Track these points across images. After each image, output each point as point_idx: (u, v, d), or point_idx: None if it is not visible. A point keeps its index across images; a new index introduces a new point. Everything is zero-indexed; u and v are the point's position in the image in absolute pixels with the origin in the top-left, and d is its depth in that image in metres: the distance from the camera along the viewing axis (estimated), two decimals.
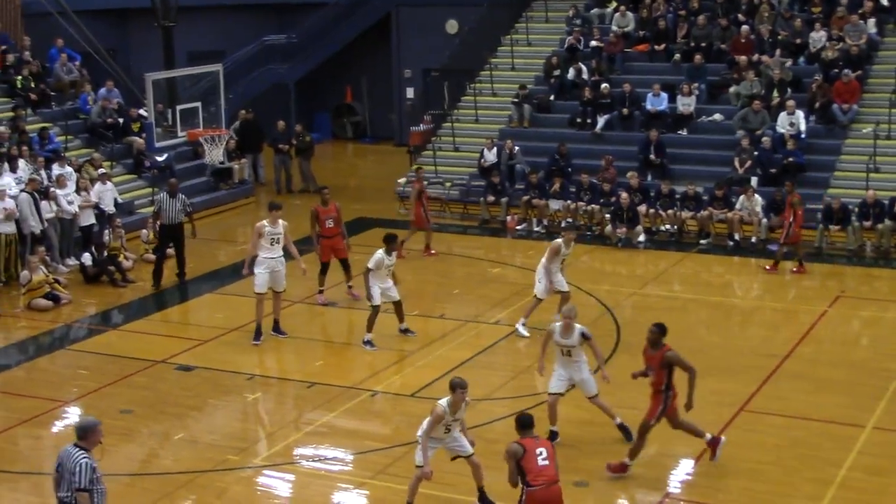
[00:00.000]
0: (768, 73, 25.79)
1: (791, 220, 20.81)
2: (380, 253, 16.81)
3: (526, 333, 17.30)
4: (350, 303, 19.28)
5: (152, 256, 21.28)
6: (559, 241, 17.45)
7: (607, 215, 23.47)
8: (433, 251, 22.46)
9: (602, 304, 19.00)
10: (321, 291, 19.24)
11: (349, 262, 19.43)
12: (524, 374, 15.86)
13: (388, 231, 17.48)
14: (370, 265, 16.80)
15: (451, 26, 33.67)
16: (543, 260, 17.39)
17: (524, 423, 10.77)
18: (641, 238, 23.04)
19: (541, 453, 10.53)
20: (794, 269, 20.99)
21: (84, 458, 9.68)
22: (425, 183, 23.40)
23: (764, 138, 24.41)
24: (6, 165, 21.91)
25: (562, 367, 13.45)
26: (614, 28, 29.00)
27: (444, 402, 11.64)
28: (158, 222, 20.83)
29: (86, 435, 9.84)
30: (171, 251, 20.84)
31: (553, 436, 13.24)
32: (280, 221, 17.17)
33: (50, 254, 21.12)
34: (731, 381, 15.46)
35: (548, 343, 13.51)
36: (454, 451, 11.93)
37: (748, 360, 16.41)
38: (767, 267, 21.01)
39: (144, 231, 22.73)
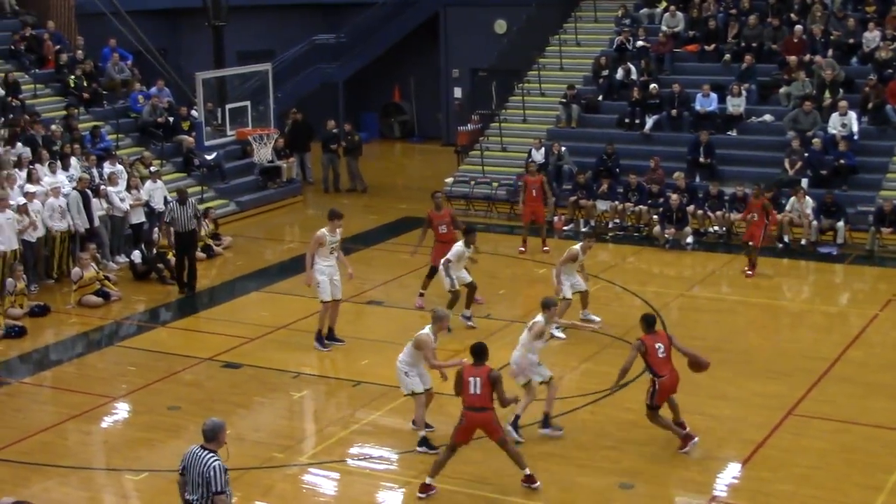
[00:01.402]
0: (820, 73, 25.52)
1: (766, 221, 20.64)
2: (459, 245, 17.22)
3: (562, 335, 17.23)
4: (397, 303, 19.31)
5: (202, 255, 21.59)
6: (577, 248, 17.50)
7: (655, 216, 23.36)
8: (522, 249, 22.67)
9: (649, 306, 18.88)
10: (422, 294, 18.89)
11: None
12: (570, 374, 15.83)
13: (469, 223, 17.57)
14: (450, 257, 17.20)
15: (500, 26, 33.63)
16: (558, 263, 17.52)
17: (649, 321, 13.03)
18: (690, 239, 22.89)
19: (659, 348, 12.81)
20: (748, 271, 20.70)
21: (216, 460, 9.53)
22: (540, 177, 22.90)
23: (815, 139, 24.16)
24: (59, 163, 22.18)
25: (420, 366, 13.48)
26: (664, 28, 28.85)
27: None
28: (172, 230, 20.19)
29: (215, 436, 9.67)
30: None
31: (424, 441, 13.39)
32: (338, 230, 16.93)
33: (101, 251, 21.35)
34: (779, 384, 15.33)
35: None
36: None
37: (796, 363, 16.25)
38: (749, 271, 20.69)
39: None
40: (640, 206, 23.90)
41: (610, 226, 24.22)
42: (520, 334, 14.02)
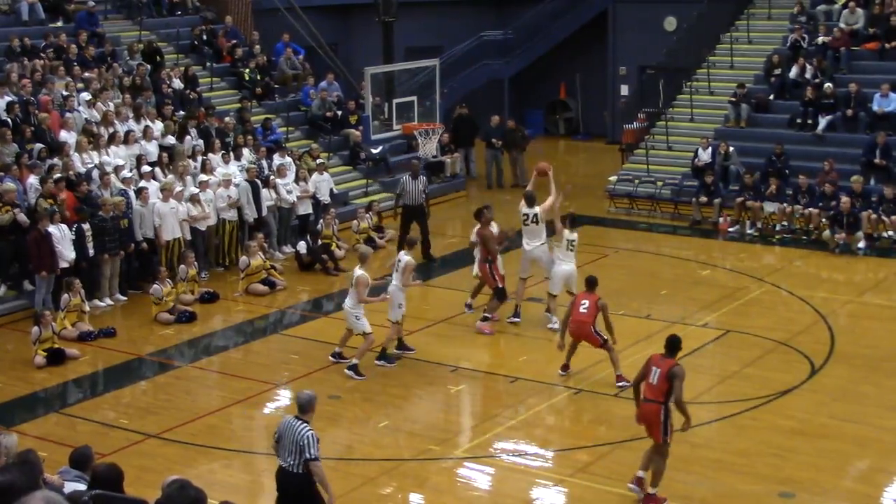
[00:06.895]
0: None
1: None
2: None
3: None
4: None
5: (364, 247, 21.88)
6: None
7: (825, 220, 22.65)
8: None
9: (816, 311, 18.35)
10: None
11: None
12: (731, 379, 15.49)
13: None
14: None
15: (670, 23, 33.09)
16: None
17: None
18: (862, 244, 22.11)
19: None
20: None
21: (309, 430, 10.31)
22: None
23: None
24: (231, 154, 22.83)
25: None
26: (842, 25, 27.87)
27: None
28: (401, 202, 21.74)
29: (311, 407, 10.56)
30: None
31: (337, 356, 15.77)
32: None
33: (268, 241, 21.90)
34: None
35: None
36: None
37: None
38: None
39: (355, 221, 23.34)
40: (810, 209, 23.20)
41: (777, 228, 23.60)
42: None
